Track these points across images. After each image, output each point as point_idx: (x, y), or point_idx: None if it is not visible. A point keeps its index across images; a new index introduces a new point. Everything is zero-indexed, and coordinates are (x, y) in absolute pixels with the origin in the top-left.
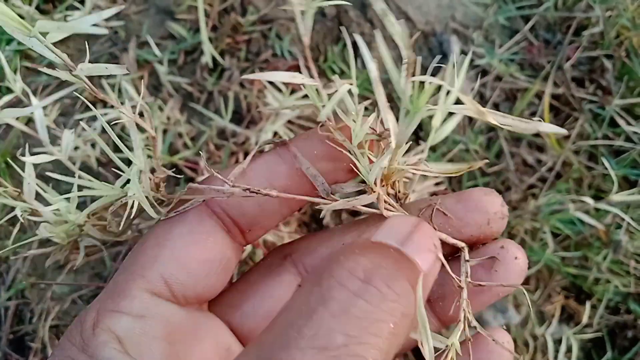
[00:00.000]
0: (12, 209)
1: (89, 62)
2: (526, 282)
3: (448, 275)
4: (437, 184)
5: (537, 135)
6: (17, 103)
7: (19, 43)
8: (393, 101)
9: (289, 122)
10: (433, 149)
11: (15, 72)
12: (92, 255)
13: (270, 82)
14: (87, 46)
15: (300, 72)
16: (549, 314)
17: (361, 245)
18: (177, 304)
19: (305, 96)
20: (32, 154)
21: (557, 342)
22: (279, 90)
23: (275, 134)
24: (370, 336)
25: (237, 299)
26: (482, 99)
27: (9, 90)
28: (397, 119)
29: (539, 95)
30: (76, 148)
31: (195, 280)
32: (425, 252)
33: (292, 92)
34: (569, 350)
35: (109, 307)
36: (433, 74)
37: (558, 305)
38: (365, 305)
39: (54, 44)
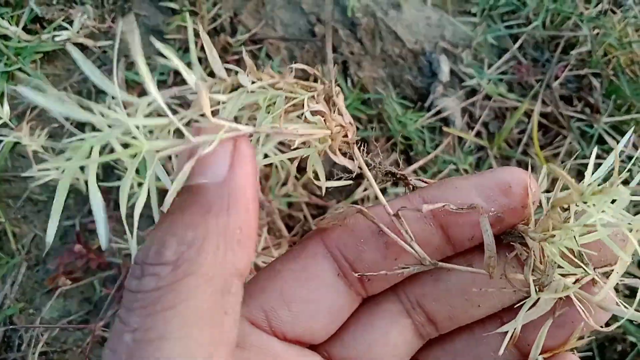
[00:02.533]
0: None
1: (77, 82)
2: None
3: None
4: None
5: (526, 154)
6: (3, 125)
7: (6, 64)
8: (383, 121)
9: (281, 143)
10: (424, 169)
11: (3, 96)
12: (82, 281)
13: None
14: (75, 66)
15: None
16: None
17: None
18: (277, 337)
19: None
20: (22, 178)
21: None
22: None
23: (266, 156)
24: (159, 314)
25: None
26: (471, 118)
27: None
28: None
29: (528, 114)
30: (63, 171)
31: (296, 320)
32: (213, 163)
33: None
34: None
35: None
36: (423, 93)
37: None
38: (144, 296)
39: (41, 64)
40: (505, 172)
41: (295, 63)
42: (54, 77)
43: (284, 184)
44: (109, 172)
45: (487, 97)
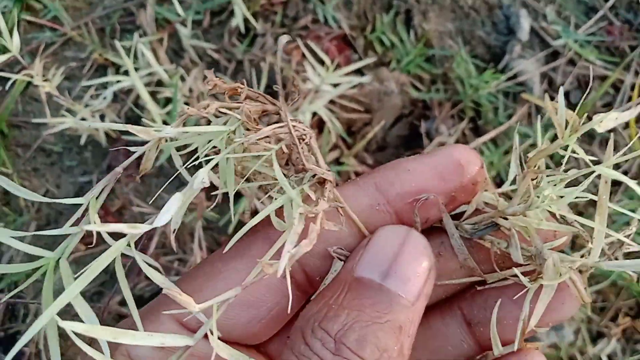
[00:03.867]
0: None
1: (99, 18)
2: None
3: (489, 299)
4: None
5: (612, 130)
6: (14, 62)
7: None
8: (448, 83)
9: (331, 102)
10: (494, 142)
11: (13, 27)
12: (97, 247)
13: (312, 53)
14: None
15: (346, 45)
16: (609, 333)
17: (341, 289)
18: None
19: (352, 72)
20: (34, 125)
21: None
22: (321, 63)
23: (315, 114)
24: None
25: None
26: (551, 86)
27: (5, 49)
28: None
29: (616, 85)
30: (82, 119)
31: (232, 324)
32: (412, 279)
33: (337, 66)
34: None
35: (132, 326)
36: (497, 53)
37: (622, 327)
38: None
39: None
40: (456, 150)
41: (351, 10)
42: (74, 10)
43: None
44: (132, 121)
45: (571, 62)
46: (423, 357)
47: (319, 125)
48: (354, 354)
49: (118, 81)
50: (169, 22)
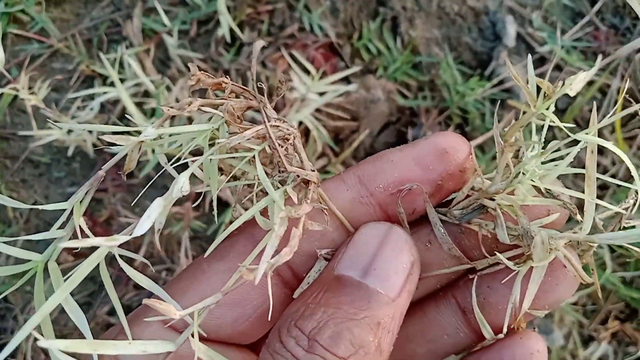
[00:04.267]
0: None
1: (86, 30)
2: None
3: (484, 286)
4: None
5: (598, 134)
6: (1, 75)
7: (7, 4)
8: (435, 90)
9: (317, 110)
10: (482, 148)
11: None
12: (85, 257)
13: (297, 62)
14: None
15: (333, 53)
16: (598, 337)
17: (320, 288)
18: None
19: (339, 80)
20: (22, 137)
21: None
22: (307, 72)
23: (301, 123)
24: None
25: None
26: (538, 92)
27: None
28: None
29: (602, 90)
30: (69, 132)
31: (219, 323)
32: (392, 275)
33: (323, 75)
34: None
35: (122, 331)
36: (484, 59)
37: (612, 330)
38: None
39: (47, 6)
40: (440, 138)
41: (337, 18)
42: (61, 22)
43: (320, 156)
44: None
45: (558, 68)
46: (419, 347)
47: (305, 133)
48: (327, 350)
49: (105, 92)
50: (155, 32)
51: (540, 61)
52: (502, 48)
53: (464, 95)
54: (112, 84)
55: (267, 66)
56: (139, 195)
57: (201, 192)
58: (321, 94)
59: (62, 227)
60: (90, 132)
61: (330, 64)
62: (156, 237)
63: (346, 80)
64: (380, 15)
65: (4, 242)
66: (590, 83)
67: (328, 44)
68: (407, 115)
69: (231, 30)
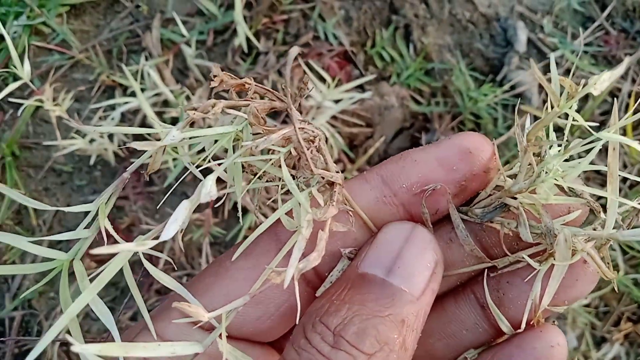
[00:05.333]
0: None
1: (106, 41)
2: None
3: (504, 281)
4: None
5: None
6: (24, 86)
7: (29, 16)
8: (448, 95)
9: (333, 117)
10: None
11: (24, 53)
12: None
13: (312, 70)
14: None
15: (347, 61)
16: (611, 338)
17: (344, 285)
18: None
19: (354, 88)
20: (45, 146)
21: None
22: (323, 80)
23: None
24: None
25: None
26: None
27: (16, 76)
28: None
29: (614, 93)
30: (91, 141)
31: (242, 320)
32: (416, 274)
33: (339, 82)
34: None
35: (145, 327)
36: (495, 65)
37: (625, 332)
38: None
39: (68, 18)
40: (463, 138)
41: (351, 26)
42: (81, 33)
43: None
44: (141, 139)
45: (568, 72)
46: (438, 342)
47: None
48: (352, 346)
49: (125, 102)
50: (173, 42)
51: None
52: (514, 54)
53: (476, 100)
54: (132, 94)
55: (282, 75)
56: (162, 202)
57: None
58: (336, 101)
59: (87, 227)
60: (111, 141)
61: (344, 71)
62: (179, 237)
63: (360, 87)
64: (393, 23)
65: (30, 242)
66: None
67: (342, 52)
68: (421, 120)
69: (247, 40)
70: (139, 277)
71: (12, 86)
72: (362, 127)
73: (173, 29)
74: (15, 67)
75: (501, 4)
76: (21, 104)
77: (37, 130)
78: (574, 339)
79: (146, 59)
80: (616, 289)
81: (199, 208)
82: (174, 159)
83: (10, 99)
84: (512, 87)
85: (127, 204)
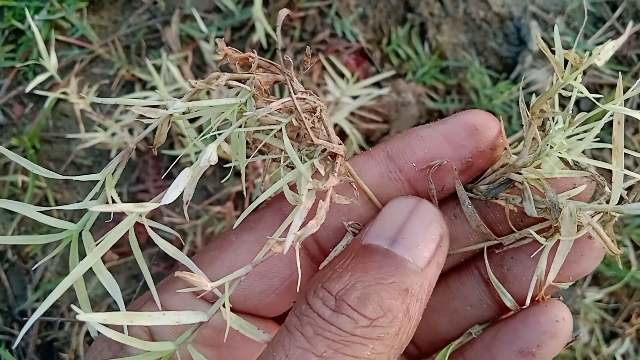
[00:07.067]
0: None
1: (125, 36)
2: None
3: (508, 257)
4: None
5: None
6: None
7: (50, 11)
8: (463, 93)
9: (351, 113)
10: None
11: (49, 48)
12: (129, 255)
13: (332, 66)
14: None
15: (363, 58)
16: (623, 334)
17: (347, 255)
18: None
19: (372, 85)
20: (65, 140)
21: None
22: (341, 75)
23: (335, 125)
24: (346, 357)
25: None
26: (561, 94)
27: (42, 68)
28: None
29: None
30: (113, 134)
31: (246, 294)
32: (421, 245)
33: (357, 79)
34: None
35: (150, 299)
36: (509, 63)
37: (636, 327)
38: (337, 331)
39: (87, 13)
40: (470, 115)
41: (367, 24)
42: (100, 28)
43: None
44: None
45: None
46: (442, 318)
47: (339, 136)
48: (354, 310)
49: (146, 97)
50: (192, 38)
51: (564, 64)
52: (527, 52)
53: (491, 98)
54: (152, 89)
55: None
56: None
57: (241, 192)
58: (354, 97)
59: (94, 197)
60: (132, 135)
61: (361, 68)
62: (185, 208)
63: (377, 84)
64: (409, 22)
65: (40, 212)
66: (612, 86)
67: (359, 49)
68: (436, 117)
69: (266, 36)
70: (153, 264)
71: (40, 78)
72: (379, 123)
73: (191, 24)
74: (41, 59)
75: (514, 4)
76: (41, 97)
77: (57, 124)
78: (585, 334)
79: (166, 54)
80: (619, 264)
81: (220, 201)
82: (196, 153)
83: (36, 92)
84: (526, 85)
85: (148, 197)
